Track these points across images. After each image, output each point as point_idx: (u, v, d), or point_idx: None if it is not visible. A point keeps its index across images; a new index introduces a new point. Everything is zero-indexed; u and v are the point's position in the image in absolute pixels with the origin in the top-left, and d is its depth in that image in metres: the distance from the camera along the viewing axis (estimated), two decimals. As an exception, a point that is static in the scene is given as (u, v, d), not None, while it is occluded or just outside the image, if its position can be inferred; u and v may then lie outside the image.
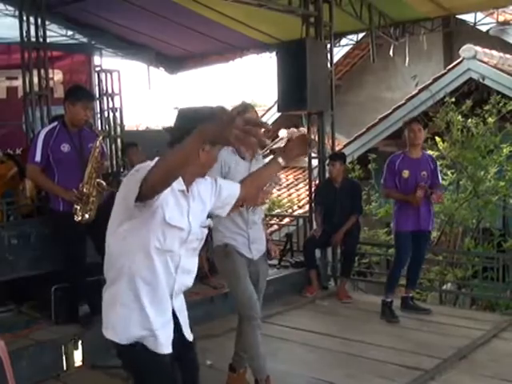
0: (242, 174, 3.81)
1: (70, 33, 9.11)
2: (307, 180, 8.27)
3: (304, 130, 3.00)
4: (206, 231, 2.62)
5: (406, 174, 5.81)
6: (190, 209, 2.53)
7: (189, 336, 2.64)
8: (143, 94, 39.66)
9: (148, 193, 2.22)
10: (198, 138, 2.06)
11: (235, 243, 3.98)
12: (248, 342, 3.97)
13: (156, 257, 2.41)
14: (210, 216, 2.72)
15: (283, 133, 11.34)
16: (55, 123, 4.96)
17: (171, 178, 2.21)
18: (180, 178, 2.43)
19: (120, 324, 2.46)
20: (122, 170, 6.74)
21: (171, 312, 2.55)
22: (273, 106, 13.00)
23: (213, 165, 2.62)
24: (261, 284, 4.13)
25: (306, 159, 7.94)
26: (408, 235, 5.83)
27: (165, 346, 2.48)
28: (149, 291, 2.44)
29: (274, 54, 8.00)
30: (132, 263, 2.41)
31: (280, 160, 2.93)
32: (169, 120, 23.13)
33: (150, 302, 2.45)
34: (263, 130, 3.85)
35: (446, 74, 9.88)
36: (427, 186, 5.80)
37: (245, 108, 3.71)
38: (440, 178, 6.14)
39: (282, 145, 3.10)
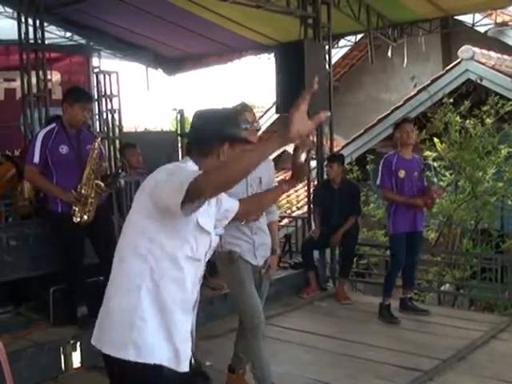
0: (242, 182, 3.66)
1: (68, 34, 9.14)
2: (306, 181, 8.27)
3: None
4: (218, 240, 2.55)
5: (402, 173, 5.78)
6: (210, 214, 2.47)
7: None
8: (142, 96, 39.64)
9: (191, 199, 2.06)
10: (275, 143, 2.02)
11: (240, 250, 3.89)
12: (251, 349, 3.94)
13: (186, 266, 2.27)
14: None
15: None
16: (53, 124, 4.94)
17: (228, 187, 2.09)
18: None
19: (144, 342, 2.19)
20: (120, 171, 6.73)
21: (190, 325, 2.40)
22: (271, 107, 13.00)
23: None
24: (263, 288, 4.08)
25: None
26: (404, 237, 5.83)
27: (184, 364, 2.30)
28: (176, 305, 2.26)
29: (273, 55, 8.00)
30: (157, 272, 2.21)
31: (285, 187, 2.91)
32: (167, 121, 23.11)
33: (177, 315, 2.26)
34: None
35: (444, 74, 9.88)
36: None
37: (243, 108, 3.67)
38: (425, 181, 6.15)
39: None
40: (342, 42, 9.86)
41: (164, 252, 2.22)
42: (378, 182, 5.99)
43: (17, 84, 7.35)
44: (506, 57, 10.30)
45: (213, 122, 2.42)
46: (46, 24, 6.88)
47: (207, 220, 2.36)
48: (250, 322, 3.82)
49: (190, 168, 2.31)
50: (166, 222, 2.20)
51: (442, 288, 8.21)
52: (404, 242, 5.83)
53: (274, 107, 8.20)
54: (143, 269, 2.22)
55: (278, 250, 4.32)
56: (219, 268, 4.10)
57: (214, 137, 2.38)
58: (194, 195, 2.04)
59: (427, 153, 8.67)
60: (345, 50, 11.95)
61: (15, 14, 6.80)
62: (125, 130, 9.11)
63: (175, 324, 2.26)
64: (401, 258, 5.92)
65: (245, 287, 3.85)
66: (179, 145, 9.01)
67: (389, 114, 10.41)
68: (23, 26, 6.29)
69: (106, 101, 9.03)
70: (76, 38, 9.29)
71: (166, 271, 2.23)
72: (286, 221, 10.49)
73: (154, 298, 2.22)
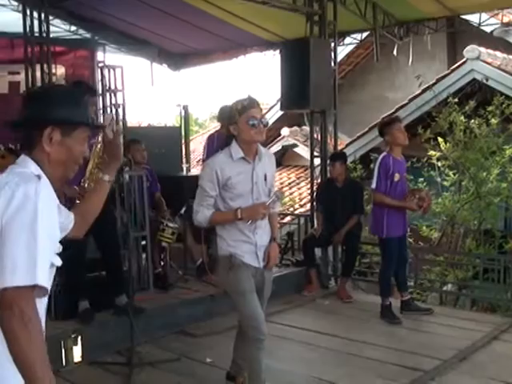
0: (247, 181, 3.58)
1: (73, 28, 9.13)
2: (309, 179, 8.26)
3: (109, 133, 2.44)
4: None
5: (397, 176, 5.64)
6: None
7: None
8: (146, 91, 39.62)
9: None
10: None
11: (241, 253, 3.63)
12: (253, 362, 3.72)
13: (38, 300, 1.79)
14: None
15: (285, 131, 11.42)
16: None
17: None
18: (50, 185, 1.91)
19: None
20: (124, 166, 6.73)
21: None
22: (275, 104, 12.98)
23: (78, 160, 2.04)
24: (266, 293, 3.83)
25: (309, 158, 7.94)
26: (397, 240, 5.77)
27: None
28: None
29: (278, 52, 7.99)
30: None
31: (106, 177, 2.46)
32: (171, 117, 23.07)
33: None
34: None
35: (449, 74, 9.86)
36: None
37: (250, 104, 3.51)
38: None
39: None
40: (347, 40, 9.82)
41: None
42: (373, 185, 5.74)
43: (21, 77, 7.34)
44: (511, 57, 10.26)
45: (26, 106, 1.91)
46: (50, 17, 6.86)
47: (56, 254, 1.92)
48: (255, 336, 3.60)
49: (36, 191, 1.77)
50: None
51: (445, 288, 8.19)
52: (397, 244, 5.78)
53: (279, 104, 8.18)
54: None
55: (278, 239, 4.01)
56: (219, 271, 3.89)
57: (27, 124, 1.91)
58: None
59: (431, 152, 8.66)
60: (350, 47, 11.91)
61: (20, 7, 6.80)
62: (129, 125, 9.12)
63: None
64: (393, 261, 5.88)
65: (246, 297, 3.62)
66: (183, 140, 9.01)
67: (393, 113, 10.37)
68: (28, 19, 6.29)
69: (110, 95, 9.01)
70: (81, 31, 9.28)
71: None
72: (288, 218, 10.48)
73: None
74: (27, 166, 1.90)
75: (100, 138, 4.85)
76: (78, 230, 2.31)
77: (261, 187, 3.62)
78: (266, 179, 3.65)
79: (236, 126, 3.52)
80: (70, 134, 1.93)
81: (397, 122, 5.78)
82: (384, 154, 5.77)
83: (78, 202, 4.73)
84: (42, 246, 1.70)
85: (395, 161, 5.68)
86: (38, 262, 1.67)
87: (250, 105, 3.50)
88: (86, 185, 4.75)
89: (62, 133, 1.90)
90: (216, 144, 6.93)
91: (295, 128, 12.85)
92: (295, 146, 11.86)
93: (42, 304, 1.88)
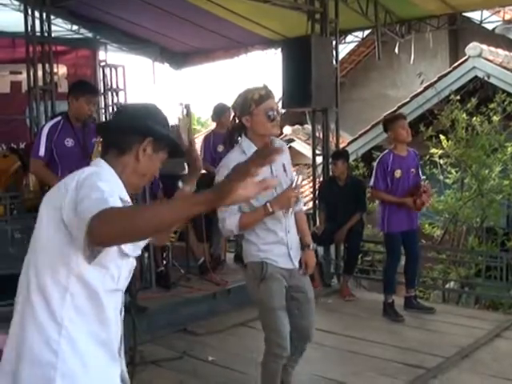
0: (267, 175, 3.21)
1: (74, 27, 9.14)
2: (311, 177, 8.26)
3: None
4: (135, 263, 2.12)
5: (398, 173, 5.64)
6: None
7: None
8: (148, 90, 39.62)
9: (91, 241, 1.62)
10: (206, 202, 1.55)
11: (273, 257, 3.34)
12: (265, 376, 3.49)
13: (108, 299, 1.87)
14: None
15: (288, 130, 11.42)
16: (59, 118, 4.96)
17: (130, 239, 1.68)
18: (122, 185, 1.97)
19: None
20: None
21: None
22: (277, 102, 12.96)
23: (150, 178, 2.11)
24: (309, 295, 3.54)
25: (311, 156, 7.94)
26: (399, 236, 5.76)
27: None
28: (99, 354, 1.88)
29: (279, 50, 7.99)
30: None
31: (187, 188, 2.40)
32: (174, 116, 23.07)
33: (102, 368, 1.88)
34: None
35: (451, 71, 9.85)
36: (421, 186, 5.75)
37: (267, 94, 3.25)
38: (421, 174, 6.02)
39: None
40: (349, 38, 9.83)
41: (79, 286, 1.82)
42: (371, 182, 5.81)
43: (23, 77, 7.36)
44: (513, 54, 10.25)
45: (133, 115, 2.06)
46: (52, 17, 6.88)
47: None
48: (278, 352, 3.37)
49: (105, 177, 1.86)
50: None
51: (447, 286, 8.19)
52: (399, 240, 5.77)
53: (281, 102, 8.19)
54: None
55: (312, 244, 3.62)
56: (246, 280, 3.56)
57: (131, 129, 1.99)
58: (94, 238, 1.59)
59: (433, 150, 8.65)
60: (351, 46, 11.92)
61: (22, 7, 6.81)
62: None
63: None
64: (397, 258, 5.88)
65: (277, 314, 3.34)
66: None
67: (395, 111, 10.36)
68: (30, 18, 6.30)
69: (112, 94, 9.04)
70: (82, 31, 9.29)
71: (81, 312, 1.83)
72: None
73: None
74: (99, 165, 1.98)
75: (100, 138, 4.87)
76: (160, 237, 2.44)
77: (283, 179, 3.33)
78: (285, 170, 3.39)
79: (249, 118, 3.23)
80: (158, 152, 2.03)
81: (401, 119, 5.78)
82: (385, 151, 5.82)
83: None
84: (104, 192, 1.70)
85: (397, 157, 5.69)
86: (108, 199, 1.65)
87: (267, 95, 3.24)
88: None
89: (153, 148, 2.01)
90: (213, 143, 6.94)
91: (297, 126, 12.85)
92: (292, 140, 11.82)
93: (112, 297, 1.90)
